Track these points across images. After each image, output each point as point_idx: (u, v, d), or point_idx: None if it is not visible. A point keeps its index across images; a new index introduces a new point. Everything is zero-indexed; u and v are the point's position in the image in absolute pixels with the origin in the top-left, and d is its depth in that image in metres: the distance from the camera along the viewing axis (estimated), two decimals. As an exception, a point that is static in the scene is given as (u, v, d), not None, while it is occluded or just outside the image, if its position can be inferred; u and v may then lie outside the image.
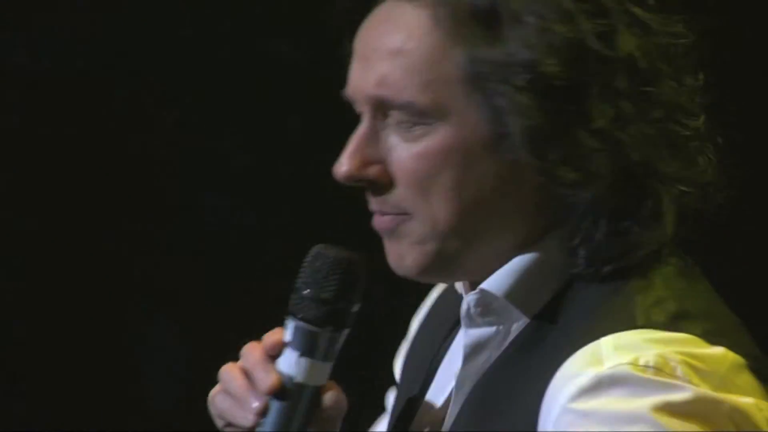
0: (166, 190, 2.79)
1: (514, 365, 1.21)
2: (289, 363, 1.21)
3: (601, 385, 1.09)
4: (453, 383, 1.27)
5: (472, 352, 1.24)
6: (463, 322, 1.26)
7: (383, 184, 1.24)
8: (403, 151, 1.22)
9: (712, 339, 1.16)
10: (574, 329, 1.17)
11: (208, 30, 2.74)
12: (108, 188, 2.78)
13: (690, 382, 1.10)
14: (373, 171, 1.24)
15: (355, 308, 1.23)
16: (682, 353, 1.12)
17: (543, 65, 1.14)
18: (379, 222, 1.26)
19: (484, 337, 1.24)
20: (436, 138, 1.20)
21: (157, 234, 2.81)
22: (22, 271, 2.78)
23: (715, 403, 1.10)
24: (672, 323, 1.15)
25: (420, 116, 1.20)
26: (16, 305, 2.78)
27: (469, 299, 1.24)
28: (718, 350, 1.15)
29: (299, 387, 1.21)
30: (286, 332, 1.22)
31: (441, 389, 1.33)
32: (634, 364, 1.10)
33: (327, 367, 1.22)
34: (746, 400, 1.12)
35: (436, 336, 1.39)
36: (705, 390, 1.10)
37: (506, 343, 1.23)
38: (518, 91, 1.15)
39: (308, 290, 1.21)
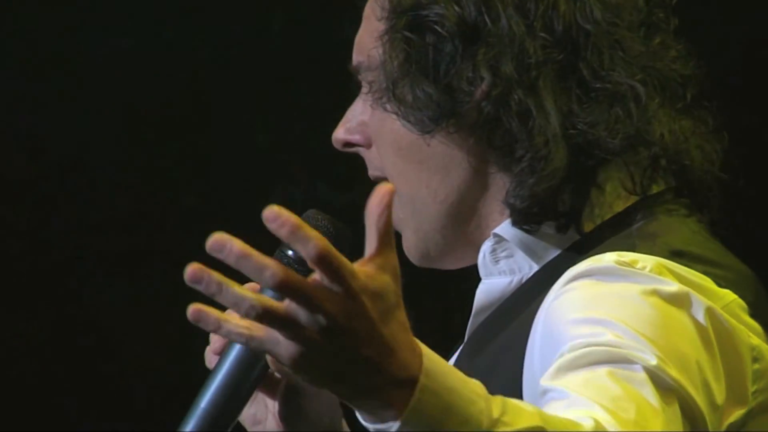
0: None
1: (517, 304, 1.27)
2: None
3: (593, 271, 1.13)
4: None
5: (483, 301, 1.32)
6: (480, 272, 1.33)
7: (366, 147, 1.39)
8: (371, 114, 1.36)
9: (716, 281, 1.19)
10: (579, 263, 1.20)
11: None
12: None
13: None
14: (357, 136, 1.39)
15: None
16: (681, 275, 1.15)
17: (444, 17, 1.25)
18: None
19: (497, 288, 1.31)
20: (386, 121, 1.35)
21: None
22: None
23: (699, 302, 1.12)
24: (671, 258, 1.18)
25: (371, 71, 1.34)
26: None
27: (484, 247, 1.32)
28: (722, 290, 1.18)
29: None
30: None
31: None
32: (631, 264, 1.14)
33: None
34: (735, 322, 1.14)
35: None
36: (692, 290, 1.12)
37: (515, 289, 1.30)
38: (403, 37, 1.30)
39: (295, 252, 1.23)
